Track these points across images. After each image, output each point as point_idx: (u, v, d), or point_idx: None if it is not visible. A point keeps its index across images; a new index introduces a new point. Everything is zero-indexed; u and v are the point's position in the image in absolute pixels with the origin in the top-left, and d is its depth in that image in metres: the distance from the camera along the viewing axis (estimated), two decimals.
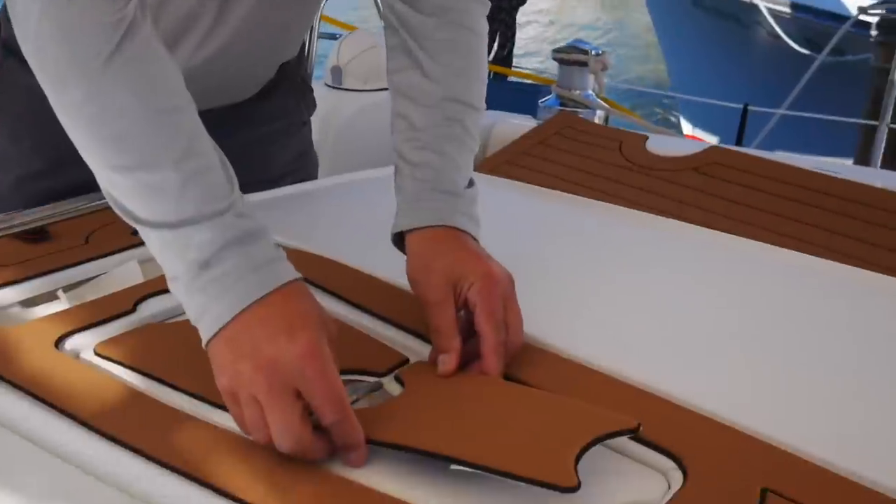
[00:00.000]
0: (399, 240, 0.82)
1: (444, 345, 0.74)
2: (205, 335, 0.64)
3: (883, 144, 2.87)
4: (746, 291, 0.97)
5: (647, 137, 1.50)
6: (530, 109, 2.05)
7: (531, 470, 0.59)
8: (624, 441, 0.66)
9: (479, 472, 0.59)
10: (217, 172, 0.67)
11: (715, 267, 1.04)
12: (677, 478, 0.63)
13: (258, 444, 0.63)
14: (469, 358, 0.74)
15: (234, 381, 0.62)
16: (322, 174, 1.32)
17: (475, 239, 0.80)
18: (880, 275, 1.02)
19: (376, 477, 0.62)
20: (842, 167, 1.44)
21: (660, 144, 1.46)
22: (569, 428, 0.64)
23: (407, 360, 0.77)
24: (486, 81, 0.88)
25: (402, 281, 0.80)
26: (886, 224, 1.19)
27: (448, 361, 0.73)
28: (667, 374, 0.75)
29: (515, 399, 0.70)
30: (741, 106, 3.05)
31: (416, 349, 0.79)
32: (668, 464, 0.64)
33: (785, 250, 1.08)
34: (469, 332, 0.74)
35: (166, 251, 0.66)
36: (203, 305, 0.64)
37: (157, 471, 0.61)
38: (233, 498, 0.59)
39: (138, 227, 0.67)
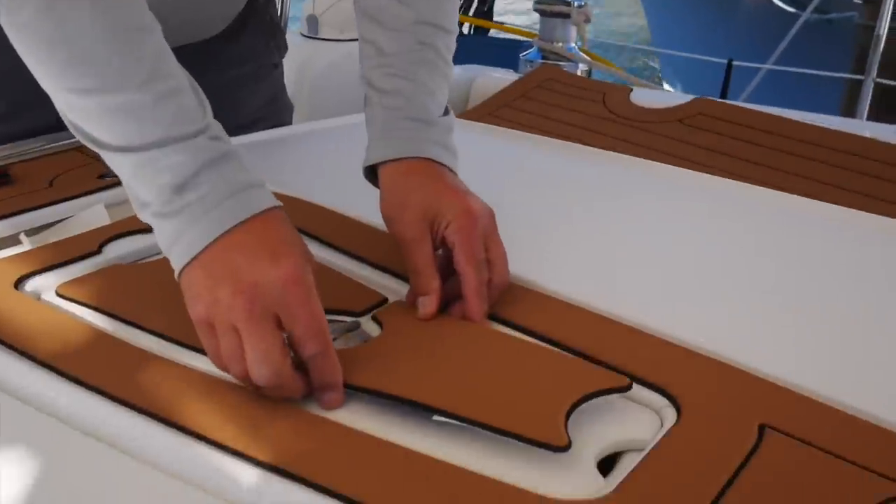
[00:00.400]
0: (371, 174, 0.78)
1: (422, 286, 0.70)
2: (177, 263, 0.60)
3: (869, 98, 2.85)
4: (735, 229, 0.95)
5: (631, 90, 1.47)
6: (512, 64, 2.00)
7: (520, 426, 0.56)
8: None
9: (463, 424, 0.57)
10: (188, 94, 0.63)
11: (701, 206, 1.02)
12: (671, 415, 0.60)
13: (231, 382, 0.60)
14: (450, 298, 0.70)
15: (211, 308, 0.58)
16: (297, 124, 1.28)
17: (452, 171, 0.76)
18: (870, 213, 1.00)
19: (352, 416, 0.59)
20: (830, 119, 1.41)
21: (644, 97, 1.44)
22: (558, 384, 0.61)
23: (385, 300, 0.74)
24: (458, 4, 0.84)
25: (378, 221, 0.77)
26: (878, 174, 1.17)
27: (428, 304, 0.70)
28: (657, 312, 0.72)
29: (500, 348, 0.67)
30: (725, 61, 3.00)
31: (395, 288, 0.75)
32: (661, 401, 0.62)
33: (770, 190, 1.06)
34: (449, 270, 0.70)
35: (136, 175, 0.62)
36: (177, 231, 0.60)
37: (124, 413, 0.58)
38: (204, 438, 0.56)
39: (101, 153, 0.63)
